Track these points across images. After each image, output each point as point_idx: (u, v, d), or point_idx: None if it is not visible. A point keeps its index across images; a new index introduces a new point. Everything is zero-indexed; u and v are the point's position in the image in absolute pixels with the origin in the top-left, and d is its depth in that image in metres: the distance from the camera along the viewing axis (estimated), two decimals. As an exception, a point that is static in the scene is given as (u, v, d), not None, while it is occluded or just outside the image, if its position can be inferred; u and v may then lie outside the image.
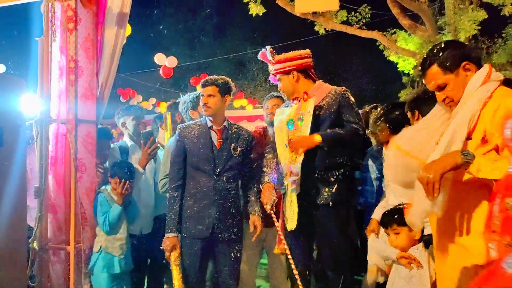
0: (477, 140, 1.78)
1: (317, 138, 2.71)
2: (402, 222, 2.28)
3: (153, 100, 15.62)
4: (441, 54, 1.89)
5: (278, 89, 3.04)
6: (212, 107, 2.85)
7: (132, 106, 3.78)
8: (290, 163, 2.82)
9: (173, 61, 11.61)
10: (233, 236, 2.85)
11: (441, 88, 1.91)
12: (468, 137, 1.79)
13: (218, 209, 2.81)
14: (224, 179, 2.84)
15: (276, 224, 2.83)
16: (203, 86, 2.90)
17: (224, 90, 2.90)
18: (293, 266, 2.70)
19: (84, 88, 3.13)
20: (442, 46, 1.91)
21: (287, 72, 2.91)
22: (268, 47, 2.94)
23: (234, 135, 2.93)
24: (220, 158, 2.84)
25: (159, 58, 11.79)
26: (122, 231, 3.05)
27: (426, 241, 2.28)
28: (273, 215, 2.81)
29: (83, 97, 3.11)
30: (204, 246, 2.82)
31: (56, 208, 3.10)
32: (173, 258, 2.78)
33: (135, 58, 15.04)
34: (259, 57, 3.00)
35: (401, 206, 2.38)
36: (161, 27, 16.02)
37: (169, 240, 2.79)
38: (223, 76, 2.96)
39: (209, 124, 2.91)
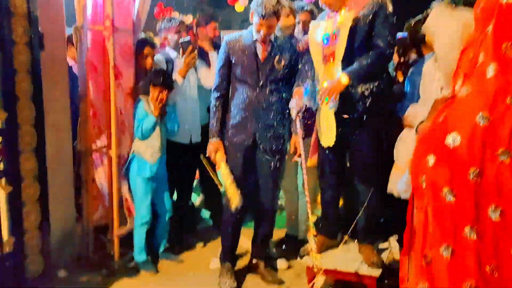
0: None
1: (345, 80, 2.62)
2: None
3: (189, 18, 15.34)
4: None
5: (322, 2, 2.77)
6: (270, 33, 2.84)
7: (172, 18, 3.71)
8: (326, 78, 2.77)
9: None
10: (274, 147, 2.94)
11: None
12: None
13: (260, 120, 2.89)
14: (267, 92, 2.88)
15: (299, 130, 2.78)
16: (267, 17, 2.75)
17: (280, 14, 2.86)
18: (305, 182, 2.74)
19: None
20: None
21: None
22: None
23: (279, 48, 2.91)
24: (264, 71, 2.86)
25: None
26: (154, 139, 3.13)
27: None
28: (297, 122, 2.78)
29: (119, 4, 3.10)
30: (246, 154, 2.93)
31: (97, 114, 3.23)
32: (219, 157, 2.90)
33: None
34: None
35: None
36: None
37: (212, 144, 2.94)
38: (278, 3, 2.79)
39: (255, 36, 2.86)
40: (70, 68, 3.30)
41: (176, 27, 3.53)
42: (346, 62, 2.69)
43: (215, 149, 2.93)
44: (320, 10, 3.05)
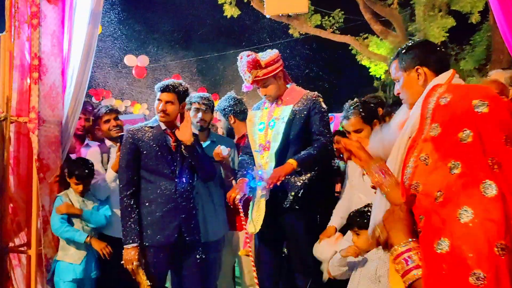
0: None
1: (293, 163, 2.69)
2: (363, 225, 2.31)
3: (127, 102, 15.40)
4: (403, 51, 1.91)
5: (263, 94, 2.90)
6: (170, 114, 2.74)
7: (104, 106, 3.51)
8: (260, 168, 2.82)
9: (144, 60, 11.44)
10: (197, 238, 2.82)
11: (398, 81, 1.94)
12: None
13: (183, 212, 2.75)
14: (184, 181, 2.80)
15: (243, 222, 2.77)
16: (162, 91, 2.74)
17: (182, 97, 2.80)
18: (253, 268, 2.68)
19: (49, 86, 3.05)
20: (408, 45, 1.93)
21: (275, 75, 2.85)
22: (250, 53, 2.82)
23: None
24: (177, 160, 2.77)
25: (130, 60, 11.61)
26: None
27: None
28: (239, 207, 2.74)
29: (47, 96, 3.02)
30: (170, 252, 2.72)
31: (17, 210, 3.00)
32: (136, 268, 2.59)
33: (107, 57, 14.79)
34: (244, 68, 2.81)
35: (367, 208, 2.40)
36: (133, 26, 15.82)
37: (132, 250, 2.60)
38: (181, 82, 2.84)
39: (163, 126, 2.78)
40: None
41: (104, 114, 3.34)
42: (280, 152, 2.78)
43: (134, 258, 2.59)
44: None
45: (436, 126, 1.28)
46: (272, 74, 2.83)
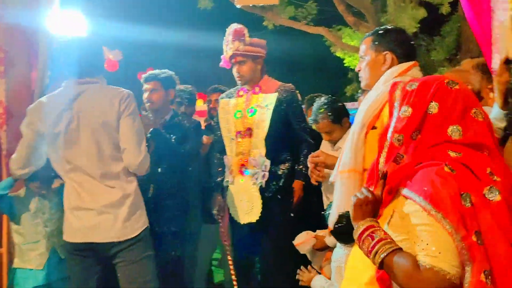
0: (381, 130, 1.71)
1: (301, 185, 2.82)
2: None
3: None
4: (379, 31, 1.92)
5: (236, 71, 2.86)
6: (155, 101, 2.80)
7: None
8: (246, 156, 2.81)
9: (117, 54, 11.23)
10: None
11: (362, 59, 1.93)
12: (374, 127, 1.78)
13: None
14: None
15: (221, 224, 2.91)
16: (146, 81, 2.89)
17: (168, 84, 2.88)
18: (230, 262, 2.72)
19: (17, 80, 2.96)
20: (387, 28, 1.93)
21: (255, 58, 2.85)
22: (242, 26, 2.83)
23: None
24: None
25: (103, 52, 11.39)
26: (39, 237, 2.57)
27: None
28: (220, 220, 2.93)
29: (15, 90, 2.93)
30: None
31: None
32: None
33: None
34: (231, 33, 2.81)
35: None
36: (105, 20, 15.50)
37: None
38: (166, 70, 2.93)
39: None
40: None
41: None
42: (269, 139, 2.81)
43: None
44: None
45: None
46: (252, 54, 2.82)
